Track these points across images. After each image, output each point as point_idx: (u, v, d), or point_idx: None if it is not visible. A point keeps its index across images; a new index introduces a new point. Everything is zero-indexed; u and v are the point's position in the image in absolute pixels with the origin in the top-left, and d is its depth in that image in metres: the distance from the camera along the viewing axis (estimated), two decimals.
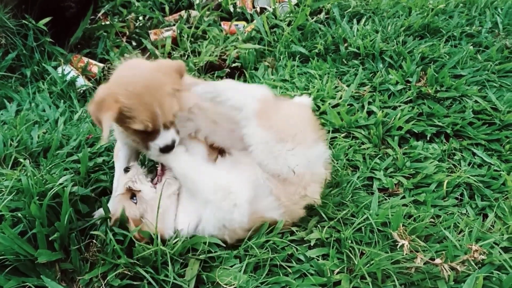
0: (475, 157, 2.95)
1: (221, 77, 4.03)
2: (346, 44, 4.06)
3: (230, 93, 2.27)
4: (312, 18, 4.49)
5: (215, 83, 2.34)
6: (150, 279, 1.91)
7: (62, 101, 3.61)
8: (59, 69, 3.91)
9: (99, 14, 4.77)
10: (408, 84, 3.49)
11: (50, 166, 2.63)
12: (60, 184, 2.24)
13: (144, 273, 1.92)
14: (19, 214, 2.07)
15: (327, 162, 2.42)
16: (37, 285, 1.92)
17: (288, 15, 4.64)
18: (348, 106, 3.27)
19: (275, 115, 2.30)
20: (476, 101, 3.31)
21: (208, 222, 2.09)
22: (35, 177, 2.23)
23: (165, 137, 2.06)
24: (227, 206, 2.05)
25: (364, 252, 2.13)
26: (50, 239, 2.01)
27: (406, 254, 2.05)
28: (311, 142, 2.32)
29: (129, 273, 1.97)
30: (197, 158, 2.26)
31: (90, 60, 4.16)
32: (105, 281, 1.95)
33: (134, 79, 1.99)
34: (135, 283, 1.95)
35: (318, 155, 2.34)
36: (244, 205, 2.07)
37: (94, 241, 2.12)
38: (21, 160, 2.46)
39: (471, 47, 3.93)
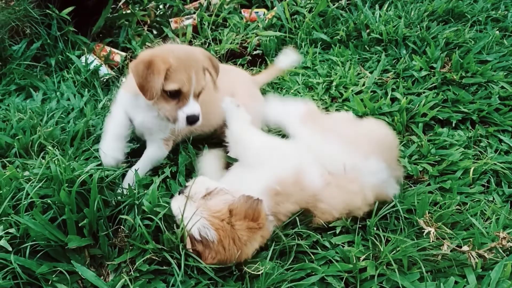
0: (502, 143, 2.91)
1: (243, 65, 4.02)
2: (368, 30, 4.02)
3: (273, 110, 2.61)
4: (334, 4, 4.44)
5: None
6: (177, 268, 1.93)
7: (86, 89, 3.65)
8: (83, 58, 3.94)
9: (120, 3, 4.79)
10: (432, 70, 3.45)
11: (77, 154, 2.68)
12: (87, 171, 2.28)
13: (171, 260, 1.95)
14: (49, 201, 2.11)
15: (382, 190, 2.32)
16: (67, 270, 1.96)
17: (309, 1, 4.59)
18: (371, 93, 3.25)
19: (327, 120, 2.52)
20: (502, 87, 3.26)
21: None
22: (63, 165, 2.27)
23: (193, 106, 2.28)
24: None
25: (390, 239, 2.13)
26: (79, 225, 2.05)
27: (432, 241, 2.05)
28: (370, 154, 2.29)
29: (157, 258, 2.00)
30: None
31: (113, 49, 4.19)
32: (134, 266, 1.99)
33: (178, 48, 2.36)
34: (162, 268, 1.99)
35: (372, 170, 2.28)
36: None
37: (122, 227, 2.15)
38: (50, 148, 2.50)
39: (497, 32, 3.85)
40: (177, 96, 2.27)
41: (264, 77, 3.31)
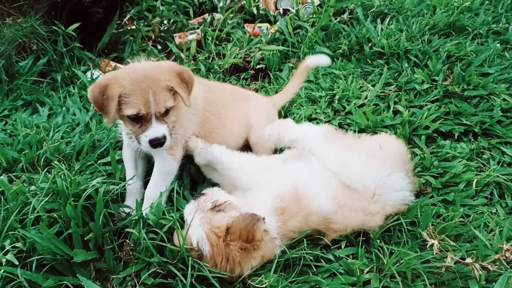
0: (504, 155, 2.91)
1: (246, 79, 4.07)
2: (370, 44, 4.05)
3: (293, 128, 2.63)
4: (336, 19, 4.48)
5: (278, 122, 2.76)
6: (183, 278, 1.94)
7: (91, 105, 3.69)
8: (88, 74, 4.00)
9: (125, 19, 4.86)
10: (434, 83, 3.47)
11: (83, 168, 2.71)
12: (93, 185, 2.31)
13: (177, 272, 1.96)
14: (55, 215, 2.14)
15: (402, 205, 2.36)
16: (73, 284, 1.98)
17: (311, 16, 4.64)
18: (374, 106, 3.27)
19: (348, 137, 2.56)
20: (504, 99, 3.27)
21: None
22: (69, 179, 2.29)
23: (156, 129, 2.23)
24: None
25: (393, 251, 2.15)
26: (85, 239, 2.08)
27: (436, 253, 2.06)
28: (395, 168, 2.34)
29: (162, 271, 2.01)
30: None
31: (118, 64, 4.24)
32: (139, 279, 2.00)
33: (136, 69, 2.23)
34: (167, 281, 2.00)
35: (398, 186, 2.32)
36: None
37: (127, 240, 2.17)
38: (56, 162, 2.53)
39: (498, 44, 3.88)
40: (138, 120, 2.23)
41: (282, 98, 3.34)
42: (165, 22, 5.08)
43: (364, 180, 2.26)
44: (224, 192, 2.28)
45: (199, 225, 2.01)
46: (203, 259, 1.98)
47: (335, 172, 2.32)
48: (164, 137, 2.24)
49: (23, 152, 2.79)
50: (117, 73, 2.25)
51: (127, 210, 2.36)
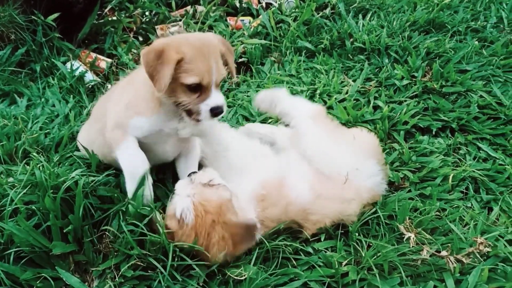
0: (480, 151, 2.97)
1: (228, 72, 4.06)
2: (351, 39, 4.09)
3: (286, 100, 2.56)
4: (318, 14, 4.51)
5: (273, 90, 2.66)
6: (162, 270, 1.95)
7: (71, 96, 3.65)
8: (68, 65, 3.95)
9: (106, 10, 4.79)
10: (414, 79, 3.52)
11: (62, 160, 2.68)
12: (72, 177, 2.29)
13: (156, 264, 1.96)
14: (34, 207, 2.11)
15: (375, 192, 2.42)
16: (52, 276, 1.96)
17: (293, 10, 4.66)
18: (354, 101, 3.30)
19: (333, 123, 2.59)
20: (481, 96, 3.34)
21: None
22: (48, 171, 2.27)
23: (217, 97, 2.08)
24: None
25: (371, 244, 2.18)
26: (64, 231, 2.06)
27: (412, 246, 2.10)
28: (367, 156, 2.41)
29: (142, 264, 2.01)
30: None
31: (98, 56, 4.19)
32: (118, 272, 2.00)
33: (193, 36, 2.17)
34: (147, 273, 2.00)
35: (370, 172, 2.38)
36: None
37: (106, 233, 2.16)
38: (34, 154, 2.51)
39: (476, 42, 3.95)
40: (197, 89, 2.06)
41: None
42: (147, 13, 5.04)
43: (339, 166, 2.31)
44: (218, 175, 2.26)
45: (188, 195, 2.02)
46: (178, 234, 2.00)
47: (310, 156, 2.36)
48: (224, 105, 2.11)
49: (1, 144, 2.74)
50: (174, 38, 2.13)
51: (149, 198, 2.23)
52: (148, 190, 2.21)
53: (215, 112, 2.08)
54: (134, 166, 2.19)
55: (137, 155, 2.21)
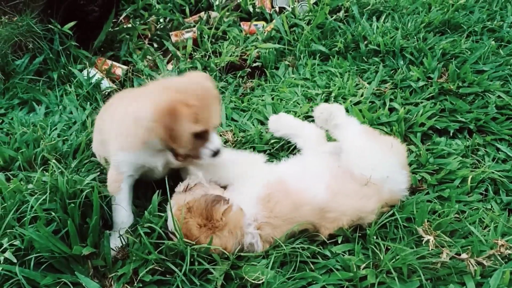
0: (499, 152, 2.94)
1: (243, 77, 4.07)
2: (366, 42, 4.07)
3: (339, 116, 2.61)
4: (331, 17, 4.49)
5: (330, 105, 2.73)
6: (181, 274, 1.95)
7: (88, 103, 3.70)
8: (85, 72, 4.00)
9: (121, 18, 4.85)
10: (430, 80, 3.49)
11: (79, 166, 2.72)
12: (88, 183, 2.32)
13: (174, 268, 1.97)
14: (53, 213, 2.15)
15: (396, 195, 2.42)
16: (71, 281, 1.99)
17: (307, 14, 4.65)
18: (370, 104, 3.29)
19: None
20: (499, 96, 3.30)
21: None
22: (66, 178, 2.30)
23: (217, 140, 2.17)
24: None
25: (389, 247, 2.16)
26: (82, 236, 2.09)
27: (431, 249, 2.07)
28: (401, 166, 2.45)
29: (160, 268, 2.02)
30: None
31: (114, 63, 4.24)
32: (137, 277, 2.01)
33: (192, 83, 2.16)
34: (165, 278, 2.01)
35: (399, 180, 2.41)
36: None
37: (123, 237, 2.18)
38: (54, 161, 2.54)
39: (493, 42, 3.90)
40: (200, 135, 2.11)
41: None
42: (161, 20, 5.07)
43: (376, 170, 2.32)
44: (200, 176, 2.33)
45: (171, 209, 2.10)
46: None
47: (349, 160, 2.39)
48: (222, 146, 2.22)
49: (20, 151, 2.79)
50: (176, 91, 2.08)
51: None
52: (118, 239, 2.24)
53: (217, 153, 2.17)
54: (122, 222, 2.28)
55: (125, 213, 2.29)
